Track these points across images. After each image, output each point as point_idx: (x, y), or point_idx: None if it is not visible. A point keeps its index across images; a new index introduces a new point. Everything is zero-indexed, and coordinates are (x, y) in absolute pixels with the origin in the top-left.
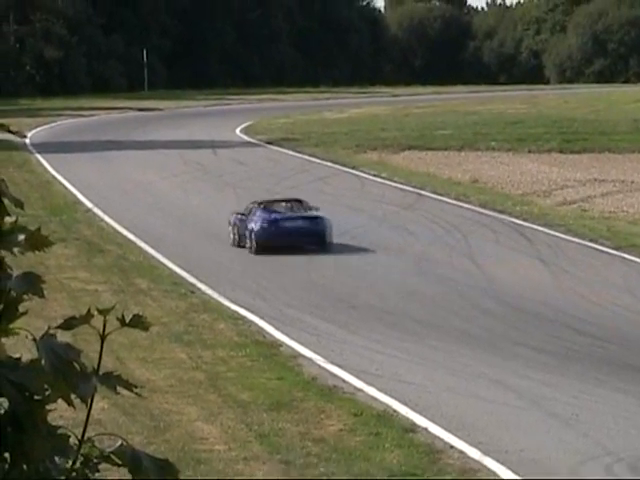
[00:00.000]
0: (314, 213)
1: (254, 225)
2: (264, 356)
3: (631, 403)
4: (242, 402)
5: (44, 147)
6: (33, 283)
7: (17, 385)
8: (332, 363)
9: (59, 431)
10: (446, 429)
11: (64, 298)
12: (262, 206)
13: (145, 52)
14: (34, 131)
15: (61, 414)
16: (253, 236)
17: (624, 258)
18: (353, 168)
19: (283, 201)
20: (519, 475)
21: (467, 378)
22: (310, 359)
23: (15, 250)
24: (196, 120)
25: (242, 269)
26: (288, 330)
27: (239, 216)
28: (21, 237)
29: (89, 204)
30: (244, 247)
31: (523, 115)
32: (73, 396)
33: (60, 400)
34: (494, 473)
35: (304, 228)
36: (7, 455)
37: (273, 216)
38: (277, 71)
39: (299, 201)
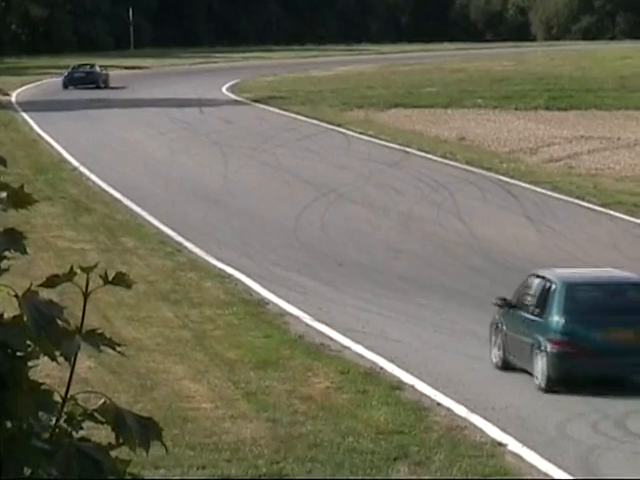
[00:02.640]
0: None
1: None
2: (251, 314)
3: None
4: (229, 360)
5: (30, 106)
6: (15, 240)
7: None
8: (319, 321)
9: (42, 387)
10: (433, 386)
11: (50, 257)
12: None
13: (131, 10)
14: (20, 90)
15: (47, 373)
16: None
17: (610, 215)
18: (339, 126)
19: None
20: (506, 432)
21: (454, 335)
22: (297, 317)
23: None
24: (182, 79)
25: (229, 228)
26: (275, 288)
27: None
28: (3, 194)
29: (75, 163)
30: None
31: (510, 72)
32: (57, 354)
33: (47, 360)
34: (481, 430)
35: None
36: None
37: None
38: (264, 30)
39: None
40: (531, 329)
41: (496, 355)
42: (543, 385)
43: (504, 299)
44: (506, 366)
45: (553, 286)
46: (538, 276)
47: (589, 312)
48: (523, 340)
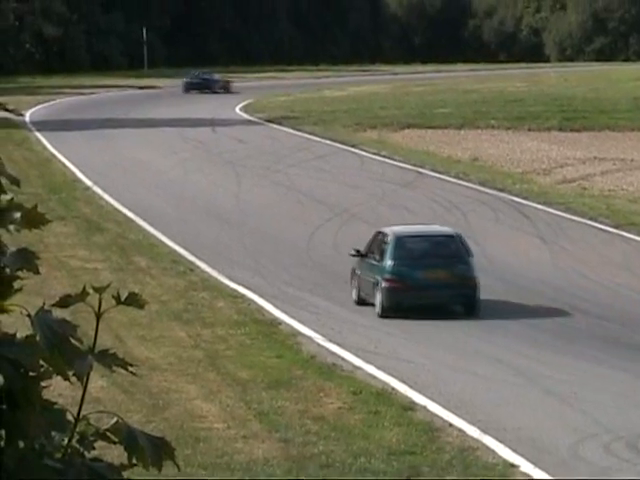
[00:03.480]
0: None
1: None
2: (263, 334)
3: (630, 381)
4: (241, 380)
5: (43, 125)
6: (28, 259)
7: (12, 361)
8: (331, 341)
9: (55, 407)
10: (445, 407)
11: (63, 276)
12: None
13: (145, 30)
14: (33, 109)
15: (60, 392)
16: None
17: (623, 236)
18: (353, 146)
19: None
20: (518, 453)
21: (466, 356)
22: (309, 337)
23: (11, 228)
24: (196, 98)
25: (241, 247)
26: (287, 308)
27: None
28: (17, 215)
29: (88, 182)
30: None
31: (523, 93)
32: (70, 373)
33: (60, 379)
34: (493, 451)
35: None
36: (3, 432)
37: None
38: (277, 49)
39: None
40: (373, 271)
41: (354, 294)
42: (380, 313)
43: (358, 250)
44: (362, 302)
45: (387, 238)
46: (380, 232)
47: (413, 257)
48: (369, 280)
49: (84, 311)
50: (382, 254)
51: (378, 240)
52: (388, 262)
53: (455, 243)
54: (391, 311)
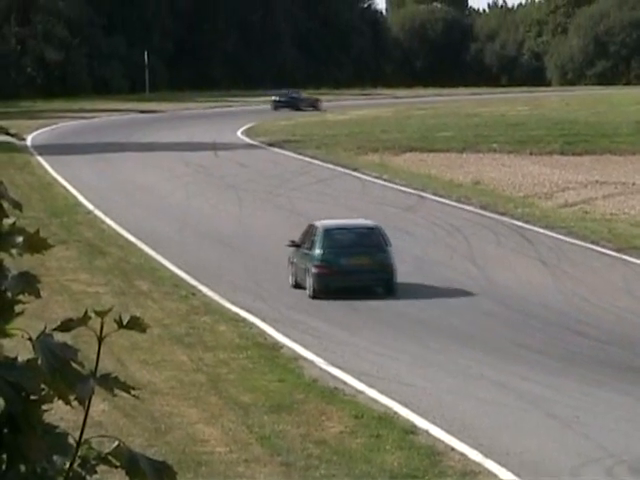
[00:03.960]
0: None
1: None
2: (265, 358)
3: (632, 405)
4: (243, 404)
5: (45, 149)
6: (29, 283)
7: (13, 385)
8: (333, 365)
9: (57, 431)
10: (447, 431)
11: (65, 300)
12: None
13: (147, 54)
14: (35, 133)
15: (62, 416)
16: None
17: (625, 260)
18: (354, 170)
19: None
20: (520, 477)
21: (468, 380)
22: (311, 361)
23: (13, 252)
24: (198, 122)
25: (243, 271)
26: (289, 332)
27: None
28: (19, 239)
29: (90, 206)
30: None
31: (525, 117)
32: (72, 397)
33: (61, 402)
34: (495, 475)
35: None
36: (4, 456)
37: None
38: (279, 73)
39: None
40: (305, 259)
41: (291, 279)
42: (311, 295)
43: (293, 241)
44: (297, 286)
45: (317, 230)
46: (311, 225)
47: (339, 246)
48: (302, 267)
49: (85, 335)
50: (312, 244)
51: (309, 232)
52: (317, 251)
53: (375, 235)
54: (321, 293)
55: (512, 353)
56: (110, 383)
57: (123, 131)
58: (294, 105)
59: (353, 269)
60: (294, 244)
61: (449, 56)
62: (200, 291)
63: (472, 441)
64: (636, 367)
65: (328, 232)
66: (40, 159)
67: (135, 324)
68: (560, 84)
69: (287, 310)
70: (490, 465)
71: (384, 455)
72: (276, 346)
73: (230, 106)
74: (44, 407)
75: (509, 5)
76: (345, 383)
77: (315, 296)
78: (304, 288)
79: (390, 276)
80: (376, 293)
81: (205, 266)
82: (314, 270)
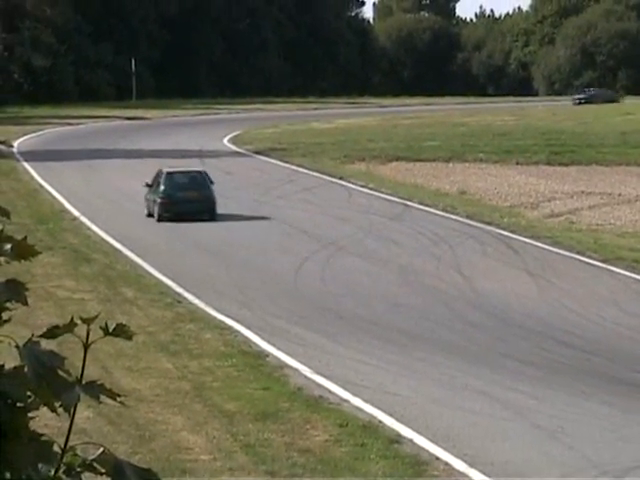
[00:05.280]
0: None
1: None
2: (250, 366)
3: (616, 416)
4: (228, 412)
5: (31, 155)
6: (16, 290)
7: (0, 393)
8: (318, 374)
9: (42, 438)
10: (432, 440)
11: (50, 307)
12: None
13: (133, 61)
14: (21, 139)
15: (46, 423)
16: None
17: (611, 271)
18: (340, 179)
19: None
20: None
21: (453, 390)
22: (296, 369)
23: (1, 259)
24: (184, 130)
25: (229, 279)
26: (274, 340)
27: None
28: (7, 246)
29: (76, 213)
30: None
31: (511, 127)
32: (57, 404)
33: (46, 410)
34: None
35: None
36: None
37: None
38: (265, 81)
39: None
40: (154, 194)
41: (145, 211)
42: (157, 219)
43: (147, 183)
44: (150, 215)
45: (162, 173)
46: (159, 170)
47: (176, 185)
48: (152, 200)
49: (70, 342)
50: (158, 184)
51: (158, 175)
52: (161, 187)
53: (202, 176)
54: (164, 218)
55: (497, 363)
56: (96, 390)
57: (109, 138)
58: (591, 101)
59: (186, 200)
60: (148, 185)
61: (436, 65)
62: (186, 299)
63: (456, 451)
64: (621, 378)
65: (169, 175)
66: (26, 165)
67: (121, 331)
68: (547, 94)
69: (272, 318)
70: (474, 475)
71: (369, 464)
72: (261, 354)
73: (217, 114)
74: (30, 415)
75: (496, 15)
76: (330, 392)
77: (159, 220)
78: (152, 216)
79: (212, 206)
80: (202, 219)
81: (191, 273)
82: (159, 200)
